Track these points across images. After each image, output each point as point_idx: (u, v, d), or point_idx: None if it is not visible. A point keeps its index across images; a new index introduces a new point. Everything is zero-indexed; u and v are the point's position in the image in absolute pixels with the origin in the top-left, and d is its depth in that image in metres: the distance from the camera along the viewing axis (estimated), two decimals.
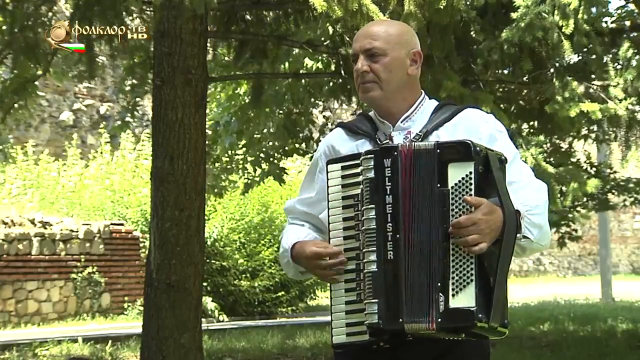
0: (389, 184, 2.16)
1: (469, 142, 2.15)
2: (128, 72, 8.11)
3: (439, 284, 2.11)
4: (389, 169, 2.16)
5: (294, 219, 2.50)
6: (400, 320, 2.12)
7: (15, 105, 7.03)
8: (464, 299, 2.10)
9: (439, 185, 2.14)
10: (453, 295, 2.10)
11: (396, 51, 2.35)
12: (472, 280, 2.10)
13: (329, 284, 2.30)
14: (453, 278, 2.11)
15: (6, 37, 6.53)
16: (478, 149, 2.14)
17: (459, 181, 2.13)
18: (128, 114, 9.03)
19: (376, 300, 2.13)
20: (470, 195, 2.12)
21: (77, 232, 12.92)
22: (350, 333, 2.21)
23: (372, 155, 2.19)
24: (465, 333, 2.15)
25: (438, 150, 2.15)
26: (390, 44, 2.35)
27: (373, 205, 2.16)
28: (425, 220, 2.15)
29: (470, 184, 2.13)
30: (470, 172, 2.13)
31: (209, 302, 13.35)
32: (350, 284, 2.22)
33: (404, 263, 2.13)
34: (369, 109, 2.53)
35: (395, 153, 2.17)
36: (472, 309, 2.08)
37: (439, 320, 2.10)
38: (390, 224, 2.14)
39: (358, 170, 2.22)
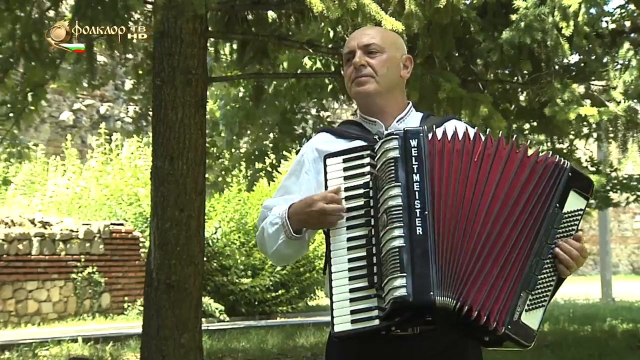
0: (416, 163, 2.16)
1: (593, 181, 2.25)
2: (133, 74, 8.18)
3: (522, 295, 2.13)
4: (415, 149, 2.17)
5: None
6: (431, 293, 2.08)
7: (26, 110, 7.07)
8: (533, 318, 2.15)
9: (557, 205, 2.19)
10: (527, 310, 2.14)
11: (392, 51, 2.41)
12: (544, 305, 2.17)
13: (327, 278, 2.24)
14: (533, 294, 2.15)
15: (16, 43, 6.52)
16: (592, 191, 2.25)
17: (572, 212, 2.21)
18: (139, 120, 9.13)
19: (404, 274, 2.08)
20: (574, 229, 2.21)
21: (77, 232, 12.93)
22: (356, 320, 2.14)
23: (397, 136, 2.18)
24: (496, 342, 2.17)
25: (570, 174, 2.21)
26: (387, 43, 2.41)
27: (399, 184, 2.14)
28: (510, 220, 2.16)
29: (578, 219, 2.22)
30: (582, 210, 2.23)
31: (211, 303, 13.37)
32: (355, 272, 2.17)
33: (435, 239, 2.12)
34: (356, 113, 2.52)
35: (421, 135, 2.18)
36: (535, 332, 2.15)
37: (509, 327, 2.11)
38: (418, 201, 2.13)
39: (363, 161, 2.22)
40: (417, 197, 2.13)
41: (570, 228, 2.21)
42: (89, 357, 8.53)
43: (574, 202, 2.20)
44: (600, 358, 8.34)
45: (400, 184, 2.14)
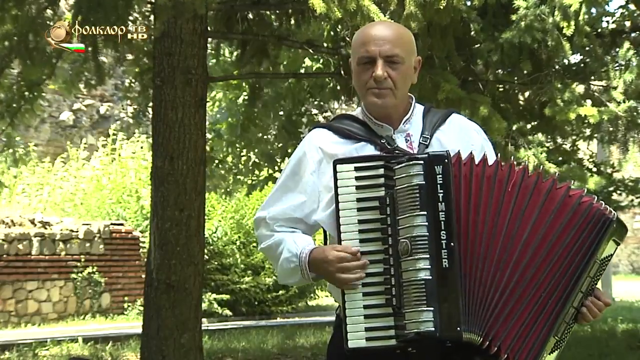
0: (441, 191, 2.10)
1: (627, 228, 2.24)
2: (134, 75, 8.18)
3: (549, 341, 2.13)
4: (441, 176, 2.10)
5: (280, 226, 2.32)
6: (458, 328, 2.07)
7: (22, 109, 7.06)
8: (552, 358, 2.17)
9: (597, 256, 2.16)
10: (550, 352, 2.15)
11: (410, 59, 2.31)
12: (562, 346, 2.18)
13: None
14: (559, 338, 2.16)
15: (13, 43, 6.52)
16: None
17: (605, 258, 2.19)
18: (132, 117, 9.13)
19: (431, 308, 2.06)
20: (602, 273, 2.19)
21: (77, 232, 12.93)
22: (371, 338, 2.11)
23: (421, 162, 2.11)
24: None
25: (614, 225, 2.16)
26: (407, 51, 2.30)
27: (424, 212, 2.08)
28: (546, 256, 2.13)
29: (606, 264, 2.19)
30: (611, 255, 2.20)
31: (214, 298, 13.37)
32: (371, 288, 2.13)
33: (462, 272, 2.09)
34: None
35: (446, 160, 2.12)
36: None
37: None
38: (444, 232, 2.08)
39: (377, 172, 2.15)
40: (442, 228, 2.09)
41: (600, 273, 2.19)
42: (89, 357, 8.52)
43: (609, 248, 2.18)
44: (600, 358, 8.34)
45: (425, 213, 2.09)
